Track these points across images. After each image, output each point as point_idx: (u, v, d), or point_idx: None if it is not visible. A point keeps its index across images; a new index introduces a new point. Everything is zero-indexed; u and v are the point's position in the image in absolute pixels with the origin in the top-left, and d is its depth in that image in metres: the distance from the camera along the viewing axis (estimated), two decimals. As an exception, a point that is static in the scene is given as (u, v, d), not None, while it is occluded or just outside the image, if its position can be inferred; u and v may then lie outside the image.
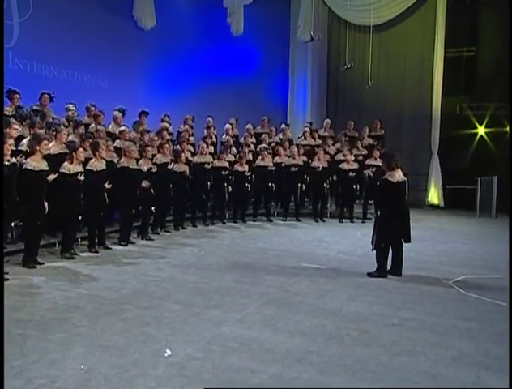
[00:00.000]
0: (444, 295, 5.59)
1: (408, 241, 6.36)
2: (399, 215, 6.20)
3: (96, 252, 7.26)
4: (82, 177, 6.68)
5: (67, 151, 6.98)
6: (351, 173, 10.88)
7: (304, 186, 11.11)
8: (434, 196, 14.82)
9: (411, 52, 15.14)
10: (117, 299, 5.08)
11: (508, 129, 14.32)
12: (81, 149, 6.77)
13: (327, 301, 5.23)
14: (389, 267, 6.36)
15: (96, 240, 7.48)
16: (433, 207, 14.66)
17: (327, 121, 13.02)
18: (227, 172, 10.11)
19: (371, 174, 10.36)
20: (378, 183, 6.50)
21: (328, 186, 11.27)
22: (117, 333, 4.15)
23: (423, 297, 5.49)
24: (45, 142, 6.10)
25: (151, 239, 8.44)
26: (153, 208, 8.47)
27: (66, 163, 6.63)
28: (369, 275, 6.28)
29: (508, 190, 11.52)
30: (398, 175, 6.22)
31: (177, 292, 5.41)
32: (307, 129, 12.34)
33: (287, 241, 8.72)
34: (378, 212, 6.29)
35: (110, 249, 7.52)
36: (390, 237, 6.23)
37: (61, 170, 6.55)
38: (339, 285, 5.85)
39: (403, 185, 6.26)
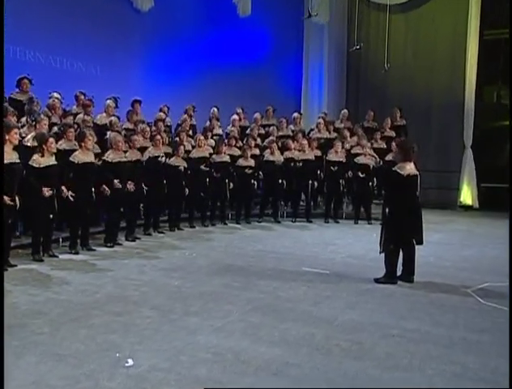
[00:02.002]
0: (458, 304, 5.44)
1: (420, 242, 6.20)
2: (409, 212, 6.04)
3: (77, 253, 7.28)
4: (47, 191, 6.63)
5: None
6: (360, 174, 10.67)
7: (316, 184, 10.96)
8: (467, 196, 14.51)
9: (442, 33, 14.83)
10: (87, 304, 5.07)
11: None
12: (52, 139, 6.77)
13: (322, 308, 5.13)
14: (400, 273, 6.22)
15: (79, 241, 7.53)
16: (466, 208, 14.35)
17: (344, 111, 12.87)
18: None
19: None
20: (386, 176, 6.37)
21: (344, 184, 11.13)
22: (79, 341, 4.11)
23: (433, 306, 5.34)
24: (15, 131, 6.12)
25: (139, 239, 8.46)
26: (141, 206, 8.42)
27: (35, 155, 6.65)
28: (376, 281, 6.15)
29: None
30: (409, 168, 6.06)
31: (155, 297, 5.38)
32: (321, 120, 12.20)
33: (291, 243, 8.62)
34: (386, 210, 6.15)
35: (94, 250, 7.54)
36: (400, 237, 6.07)
37: (30, 163, 6.56)
38: (339, 292, 5.73)
39: (415, 180, 6.09)
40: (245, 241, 8.71)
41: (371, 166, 10.63)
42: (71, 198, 7.05)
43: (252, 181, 10.57)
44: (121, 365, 3.67)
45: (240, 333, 4.38)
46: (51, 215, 6.94)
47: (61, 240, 7.71)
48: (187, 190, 9.37)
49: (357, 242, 8.80)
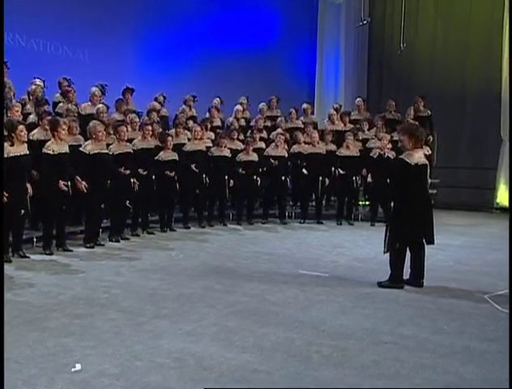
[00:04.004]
0: (470, 311, 5.30)
1: (431, 241, 6.05)
2: (418, 207, 5.89)
3: (51, 254, 7.30)
4: None
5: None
6: (369, 179, 10.52)
7: (327, 181, 10.82)
8: (504, 196, 14.20)
9: (477, 10, 14.58)
10: (46, 306, 5.07)
11: None
12: (21, 127, 6.80)
13: (311, 313, 5.04)
14: (408, 277, 6.09)
15: (55, 240, 7.58)
16: (504, 209, 14.03)
17: (358, 100, 12.66)
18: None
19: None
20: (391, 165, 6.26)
21: (360, 181, 10.98)
22: (26, 344, 4.09)
23: (440, 312, 5.21)
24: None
25: (126, 240, 8.47)
26: (128, 203, 8.41)
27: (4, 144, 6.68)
28: (380, 285, 6.03)
29: None
30: (417, 156, 5.92)
31: (126, 299, 5.35)
32: (332, 111, 12.07)
33: (293, 245, 8.54)
34: (392, 204, 6.03)
35: (70, 251, 7.55)
36: (407, 235, 5.93)
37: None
38: (334, 296, 5.64)
39: (424, 170, 5.95)
40: (241, 243, 8.66)
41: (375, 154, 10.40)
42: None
43: (255, 177, 10.44)
44: (66, 371, 3.63)
45: (210, 338, 4.32)
46: (22, 211, 6.97)
47: (35, 239, 7.75)
48: (178, 185, 9.33)
49: (368, 245, 8.65)
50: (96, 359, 3.83)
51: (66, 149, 7.36)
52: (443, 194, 13.84)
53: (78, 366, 3.69)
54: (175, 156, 9.42)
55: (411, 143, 5.97)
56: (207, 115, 11.62)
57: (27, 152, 6.96)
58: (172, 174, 9.20)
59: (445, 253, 8.13)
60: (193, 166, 9.62)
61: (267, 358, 3.92)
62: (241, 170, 10.24)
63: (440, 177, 12.90)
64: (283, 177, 10.61)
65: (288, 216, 11.21)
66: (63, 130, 7.26)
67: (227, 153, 10.18)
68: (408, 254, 6.06)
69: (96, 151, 7.81)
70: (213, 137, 10.73)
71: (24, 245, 7.38)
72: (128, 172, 8.27)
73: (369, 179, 10.50)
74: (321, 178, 10.78)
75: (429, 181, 10.73)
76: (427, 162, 6.02)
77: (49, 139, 7.54)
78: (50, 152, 7.20)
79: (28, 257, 7.09)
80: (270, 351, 4.06)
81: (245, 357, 3.93)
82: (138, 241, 8.62)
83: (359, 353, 4.05)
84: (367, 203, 11.76)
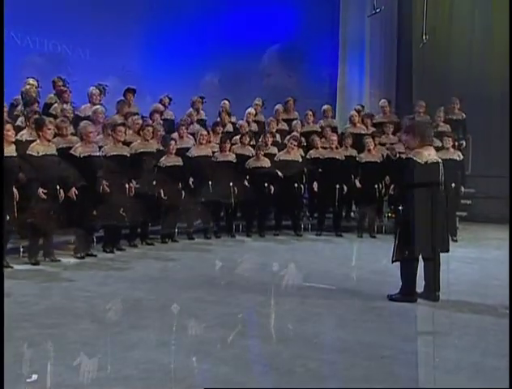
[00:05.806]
0: (487, 326, 5.16)
1: (446, 249, 5.91)
2: (431, 210, 5.75)
3: (37, 264, 7.34)
4: None
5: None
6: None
7: (345, 188, 10.68)
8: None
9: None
10: (18, 316, 5.07)
11: None
12: (9, 126, 6.88)
13: (307, 325, 4.97)
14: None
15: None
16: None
17: (383, 101, 12.48)
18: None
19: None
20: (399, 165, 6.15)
21: (383, 190, 10.82)
22: (-14, 354, 4.08)
23: (453, 327, 5.08)
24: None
25: (122, 251, 8.49)
26: (121, 211, 8.40)
27: None
28: (390, 298, 5.89)
29: None
30: (427, 154, 5.82)
31: (105, 309, 5.36)
32: (354, 112, 11.96)
33: (303, 257, 8.47)
34: (400, 208, 5.92)
35: (58, 261, 7.58)
36: (418, 242, 5.78)
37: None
38: (336, 309, 5.56)
39: (435, 168, 5.82)
40: (246, 254, 8.65)
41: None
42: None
43: (266, 185, 10.36)
44: (21, 381, 3.62)
45: (188, 349, 4.27)
46: (7, 217, 7.03)
47: (21, 249, 7.79)
48: (183, 192, 9.34)
49: (387, 258, 8.39)
50: (56, 370, 3.82)
51: (52, 150, 7.41)
52: (482, 206, 13.53)
53: (34, 377, 3.67)
54: (178, 162, 9.41)
55: (416, 141, 5.90)
56: (218, 119, 11.61)
57: (15, 154, 7.03)
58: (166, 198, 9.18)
59: (473, 267, 8.00)
60: (190, 182, 9.63)
61: (246, 370, 3.87)
62: (246, 181, 10.18)
63: (477, 187, 12.64)
64: (296, 185, 10.51)
65: (304, 228, 11.11)
66: (49, 129, 7.32)
67: (232, 158, 10.16)
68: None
69: (87, 154, 7.85)
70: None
71: (10, 255, 7.45)
72: (108, 190, 8.10)
73: (391, 191, 10.32)
74: (338, 186, 10.64)
75: (464, 190, 10.65)
76: (439, 160, 5.90)
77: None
78: (34, 154, 7.26)
79: (12, 267, 7.12)
80: (250, 363, 4.01)
81: (222, 369, 3.87)
82: (135, 251, 8.60)
83: (349, 367, 3.96)
84: (392, 214, 11.57)
